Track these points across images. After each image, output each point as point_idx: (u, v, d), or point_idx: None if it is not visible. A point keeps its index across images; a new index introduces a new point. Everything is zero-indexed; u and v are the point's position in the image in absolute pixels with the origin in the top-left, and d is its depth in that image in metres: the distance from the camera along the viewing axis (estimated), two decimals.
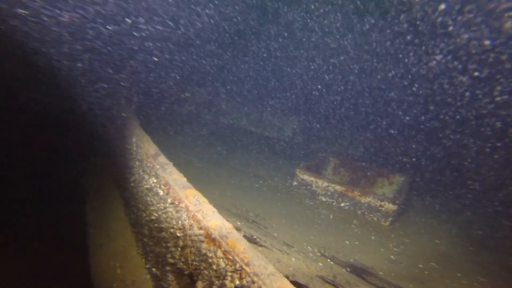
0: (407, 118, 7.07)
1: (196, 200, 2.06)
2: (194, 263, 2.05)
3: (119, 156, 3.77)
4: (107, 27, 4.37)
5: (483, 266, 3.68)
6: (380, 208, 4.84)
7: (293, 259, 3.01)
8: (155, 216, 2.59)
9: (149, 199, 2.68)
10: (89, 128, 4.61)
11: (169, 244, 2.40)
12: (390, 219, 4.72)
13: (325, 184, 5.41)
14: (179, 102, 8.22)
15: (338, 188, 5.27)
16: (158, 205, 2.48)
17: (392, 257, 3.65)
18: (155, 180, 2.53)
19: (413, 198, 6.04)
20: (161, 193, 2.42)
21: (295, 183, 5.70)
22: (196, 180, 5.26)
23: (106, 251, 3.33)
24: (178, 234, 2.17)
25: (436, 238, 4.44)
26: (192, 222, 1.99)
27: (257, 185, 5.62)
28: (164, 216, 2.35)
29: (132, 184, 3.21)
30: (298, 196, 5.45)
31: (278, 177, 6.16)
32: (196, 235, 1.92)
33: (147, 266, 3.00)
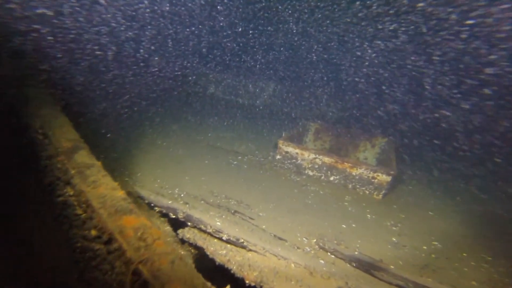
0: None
1: (140, 239, 1.11)
2: None
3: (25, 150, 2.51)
4: None
5: (485, 241, 3.46)
6: (373, 180, 4.40)
7: (292, 265, 2.38)
8: (81, 244, 1.62)
9: (68, 216, 1.66)
10: None
11: None
12: (383, 191, 4.33)
13: (312, 156, 4.75)
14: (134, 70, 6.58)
15: (327, 160, 4.66)
16: (82, 232, 1.49)
17: (394, 239, 3.27)
18: (70, 192, 1.48)
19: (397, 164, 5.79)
20: (82, 215, 1.41)
21: (278, 156, 4.96)
22: (161, 165, 4.26)
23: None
24: None
25: (428, 210, 4.21)
26: (135, 279, 1.07)
27: (235, 163, 4.76)
28: (91, 253, 1.39)
29: (48, 188, 2.10)
30: (283, 172, 4.77)
31: (258, 150, 5.35)
32: None
33: None
